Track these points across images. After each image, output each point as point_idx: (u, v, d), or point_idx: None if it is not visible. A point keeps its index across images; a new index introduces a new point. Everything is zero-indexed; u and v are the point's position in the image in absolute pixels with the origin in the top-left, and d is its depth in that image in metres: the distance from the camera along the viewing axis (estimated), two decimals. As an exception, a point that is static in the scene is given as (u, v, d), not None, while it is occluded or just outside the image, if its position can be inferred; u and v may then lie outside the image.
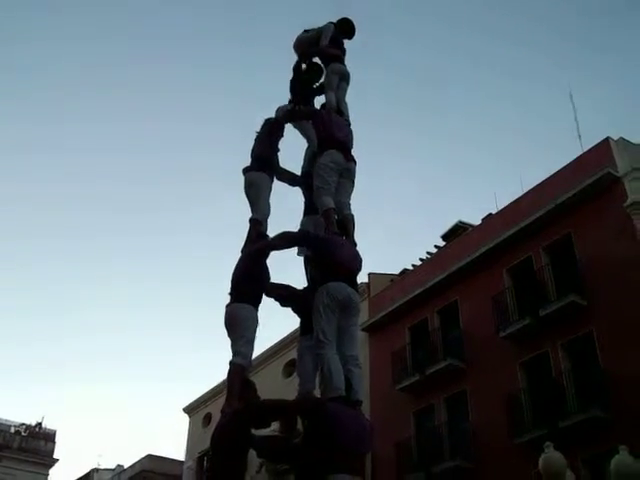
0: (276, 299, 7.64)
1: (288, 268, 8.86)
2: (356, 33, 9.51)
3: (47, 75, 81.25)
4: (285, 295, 7.66)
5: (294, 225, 8.26)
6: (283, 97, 9.24)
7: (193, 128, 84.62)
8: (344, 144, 7.94)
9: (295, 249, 7.86)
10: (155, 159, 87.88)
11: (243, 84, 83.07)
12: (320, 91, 9.19)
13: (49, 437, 47.01)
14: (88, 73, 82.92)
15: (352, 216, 7.75)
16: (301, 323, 7.70)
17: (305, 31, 9.58)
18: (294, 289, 7.71)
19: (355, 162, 8.00)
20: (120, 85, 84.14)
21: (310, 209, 8.20)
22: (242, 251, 7.59)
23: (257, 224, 7.82)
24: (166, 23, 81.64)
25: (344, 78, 8.92)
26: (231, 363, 6.85)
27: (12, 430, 45.83)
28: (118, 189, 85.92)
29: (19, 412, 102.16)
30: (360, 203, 8.02)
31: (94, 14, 79.63)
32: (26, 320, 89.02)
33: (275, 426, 6.69)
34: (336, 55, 9.05)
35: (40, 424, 47.41)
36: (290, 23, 75.18)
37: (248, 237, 7.74)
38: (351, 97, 9.05)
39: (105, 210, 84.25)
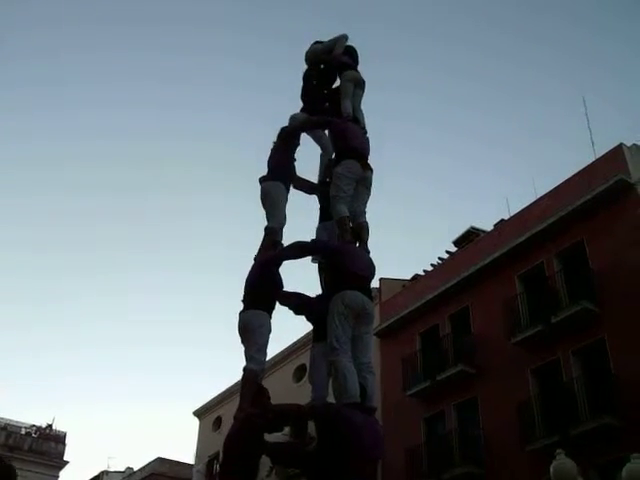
0: (290, 307, 7.66)
1: (302, 274, 8.90)
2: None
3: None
4: (299, 303, 7.68)
5: (309, 231, 8.32)
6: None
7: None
8: (361, 153, 7.95)
9: (309, 257, 7.89)
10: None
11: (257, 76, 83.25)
12: (330, 97, 9.18)
13: (59, 439, 47.08)
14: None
15: (367, 224, 7.76)
16: (314, 330, 7.72)
17: (316, 42, 9.61)
18: (307, 297, 7.73)
19: (372, 170, 8.01)
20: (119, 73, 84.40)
21: (325, 216, 8.25)
22: (255, 259, 7.62)
23: (272, 233, 7.84)
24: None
25: (359, 85, 8.91)
26: (245, 369, 6.89)
27: (23, 432, 45.94)
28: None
29: (30, 413, 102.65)
30: (372, 208, 8.04)
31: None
32: (38, 324, 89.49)
33: (286, 430, 6.70)
34: (348, 63, 9.06)
35: (50, 426, 47.49)
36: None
37: (262, 245, 7.76)
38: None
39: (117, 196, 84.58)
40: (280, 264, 7.58)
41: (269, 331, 7.23)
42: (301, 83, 9.53)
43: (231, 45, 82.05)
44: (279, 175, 8.28)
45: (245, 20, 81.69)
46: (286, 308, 7.71)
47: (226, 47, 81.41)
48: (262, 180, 8.29)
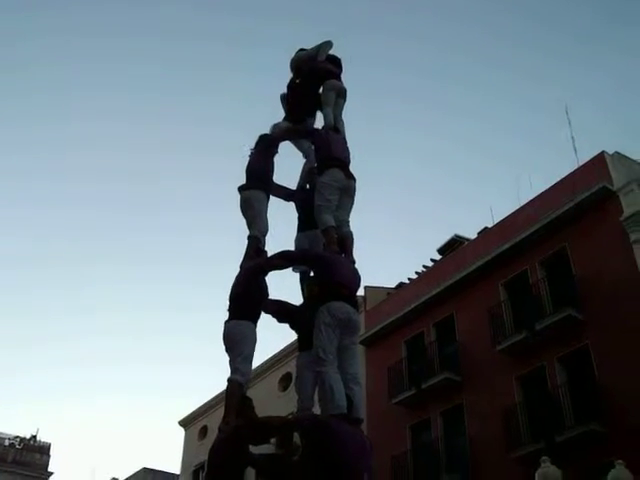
0: (273, 315, 7.65)
1: (285, 283, 8.88)
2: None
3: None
4: (282, 311, 7.68)
5: (290, 240, 8.30)
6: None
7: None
8: (344, 162, 7.95)
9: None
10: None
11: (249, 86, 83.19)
12: (314, 106, 9.11)
13: (44, 450, 46.84)
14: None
15: (351, 234, 7.75)
16: (299, 339, 7.71)
17: (301, 49, 9.55)
18: (291, 305, 7.72)
19: (355, 179, 7.98)
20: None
21: (304, 225, 8.22)
22: (240, 267, 7.59)
23: (255, 241, 7.81)
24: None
25: (341, 94, 8.86)
26: (229, 380, 6.84)
27: (7, 443, 45.70)
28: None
29: (14, 425, 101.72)
30: (356, 216, 8.03)
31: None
32: (22, 334, 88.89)
33: (272, 440, 6.68)
34: (332, 71, 9.01)
35: (35, 437, 47.25)
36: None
37: (246, 254, 7.73)
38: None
39: (109, 210, 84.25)
40: (267, 273, 7.55)
41: (254, 341, 7.16)
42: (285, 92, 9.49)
43: (234, 58, 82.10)
44: (259, 183, 8.26)
45: (243, 32, 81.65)
46: (271, 316, 7.70)
47: (229, 60, 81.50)
48: (241, 189, 8.26)
